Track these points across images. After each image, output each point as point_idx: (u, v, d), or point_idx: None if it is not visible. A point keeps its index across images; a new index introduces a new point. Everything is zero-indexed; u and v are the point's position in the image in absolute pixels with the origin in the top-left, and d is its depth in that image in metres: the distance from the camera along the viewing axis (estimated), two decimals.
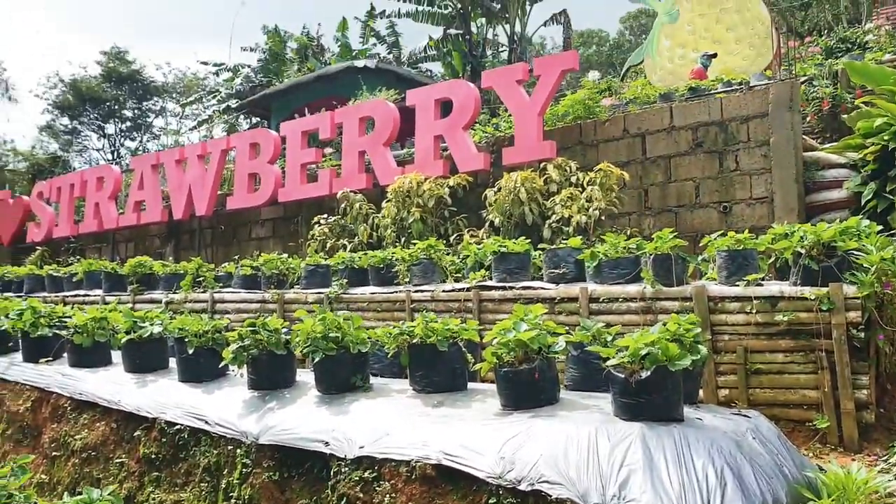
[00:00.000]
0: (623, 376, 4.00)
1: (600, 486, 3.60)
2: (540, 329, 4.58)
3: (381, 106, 11.88)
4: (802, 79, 10.15)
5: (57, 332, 7.72)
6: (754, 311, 5.59)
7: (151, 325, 6.77)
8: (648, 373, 3.93)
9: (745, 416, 4.48)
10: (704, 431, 3.86)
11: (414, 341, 5.15)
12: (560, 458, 3.79)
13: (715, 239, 6.31)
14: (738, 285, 5.79)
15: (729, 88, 9.74)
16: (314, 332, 5.41)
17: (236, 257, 11.73)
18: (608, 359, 4.17)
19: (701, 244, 6.86)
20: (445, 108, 11.05)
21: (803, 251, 5.56)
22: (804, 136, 8.80)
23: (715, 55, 12.97)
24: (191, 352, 6.18)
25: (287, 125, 13.23)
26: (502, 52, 23.12)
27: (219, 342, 6.33)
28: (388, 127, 11.44)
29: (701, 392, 5.33)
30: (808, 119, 9.71)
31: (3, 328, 8.28)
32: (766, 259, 6.33)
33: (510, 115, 11.06)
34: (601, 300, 6.32)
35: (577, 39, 34.95)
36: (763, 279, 5.92)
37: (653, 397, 3.91)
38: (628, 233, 8.33)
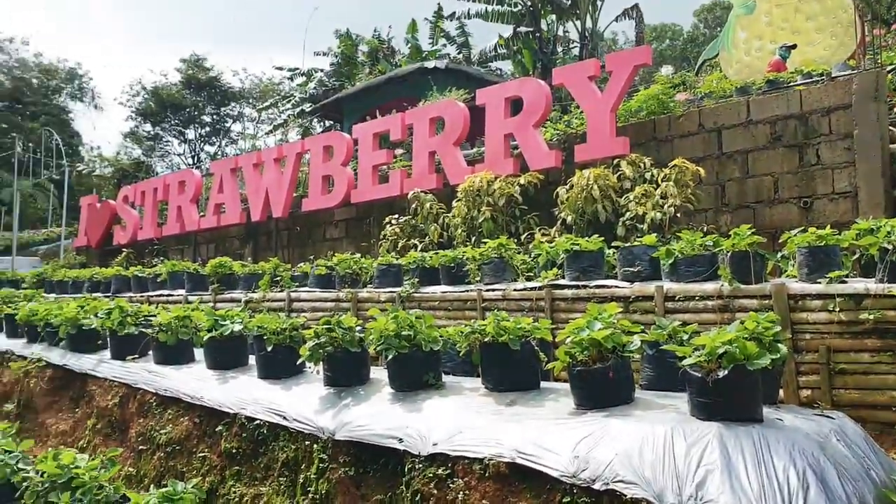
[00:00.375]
0: (700, 375, 3.92)
1: (676, 486, 3.54)
2: (614, 328, 4.53)
3: (451, 106, 11.95)
4: (889, 68, 9.72)
5: (143, 330, 8.05)
6: (838, 309, 5.39)
7: (232, 323, 6.99)
8: (726, 372, 3.84)
9: (828, 416, 4.34)
10: (785, 432, 3.76)
11: (486, 340, 5.16)
12: (635, 457, 3.75)
13: (795, 235, 6.11)
14: (820, 283, 5.60)
15: (809, 80, 9.41)
16: (387, 330, 5.48)
17: (311, 257, 11.99)
18: (684, 358, 4.10)
19: (780, 241, 6.66)
20: (516, 106, 11.03)
21: (890, 247, 5.33)
22: (891, 128, 8.42)
23: (794, 46, 12.55)
24: (269, 349, 6.36)
25: (359, 127, 13.45)
26: (573, 48, 22.92)
27: (296, 340, 6.49)
28: (459, 126, 11.49)
29: (781, 392, 5.18)
30: (894, 110, 9.30)
31: (92, 327, 8.68)
32: (849, 256, 6.10)
33: (582, 112, 10.96)
34: (677, 299, 6.20)
35: (650, 34, 34.34)
36: (847, 276, 5.71)
37: (731, 397, 3.83)
38: (704, 230, 8.16)
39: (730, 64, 14.61)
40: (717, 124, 9.33)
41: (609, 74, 9.98)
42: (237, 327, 6.95)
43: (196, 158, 42.93)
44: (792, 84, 9.51)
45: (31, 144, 36.80)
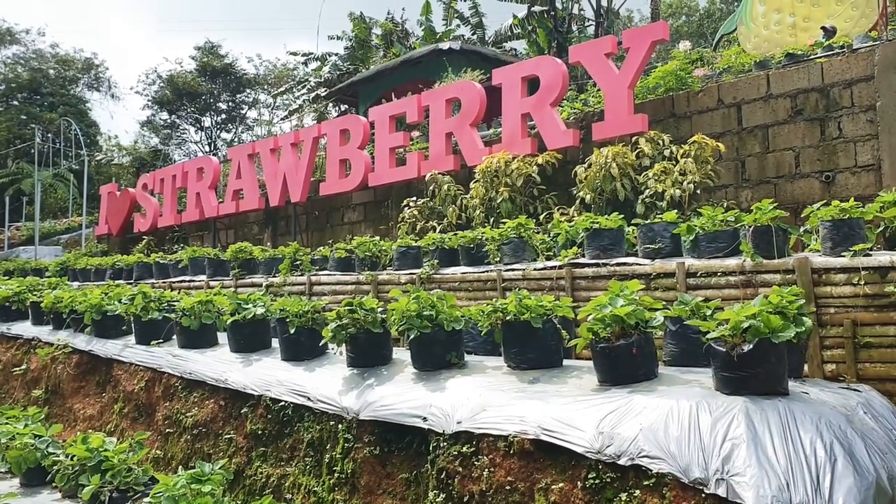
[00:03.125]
0: (724, 350, 3.92)
1: (702, 460, 3.55)
2: (637, 304, 4.53)
3: (467, 87, 11.90)
4: None
5: (166, 315, 8.15)
6: (862, 282, 5.34)
7: (254, 306, 7.05)
8: (751, 346, 3.84)
9: (854, 390, 4.32)
10: (811, 405, 3.75)
11: (508, 318, 5.18)
12: (660, 432, 3.76)
13: (818, 209, 6.05)
14: (843, 256, 5.54)
15: (830, 52, 9.27)
16: (409, 310, 5.51)
17: (330, 241, 12.02)
18: (708, 333, 4.09)
19: (802, 215, 6.59)
20: (532, 85, 10.95)
21: None
22: None
23: (835, 30, 12.30)
24: (292, 331, 6.41)
25: (375, 110, 13.42)
26: (588, 27, 22.69)
27: (318, 322, 6.54)
28: (475, 107, 11.44)
29: (806, 367, 5.16)
30: None
31: (116, 313, 8.79)
32: (873, 229, 6.02)
33: (598, 91, 10.87)
34: (699, 275, 6.17)
35: (665, 10, 33.92)
36: (871, 250, 5.65)
37: (756, 371, 3.82)
38: (725, 206, 8.10)
39: (748, 38, 14.38)
40: (737, 99, 9.23)
41: (626, 51, 9.88)
42: (260, 311, 7.01)
43: (212, 146, 43.09)
44: (812, 57, 9.37)
45: (49, 135, 37.11)
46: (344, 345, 5.98)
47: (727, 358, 3.89)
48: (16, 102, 44.07)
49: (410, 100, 12.81)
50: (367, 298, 6.13)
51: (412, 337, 5.44)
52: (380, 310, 6.04)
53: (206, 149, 42.66)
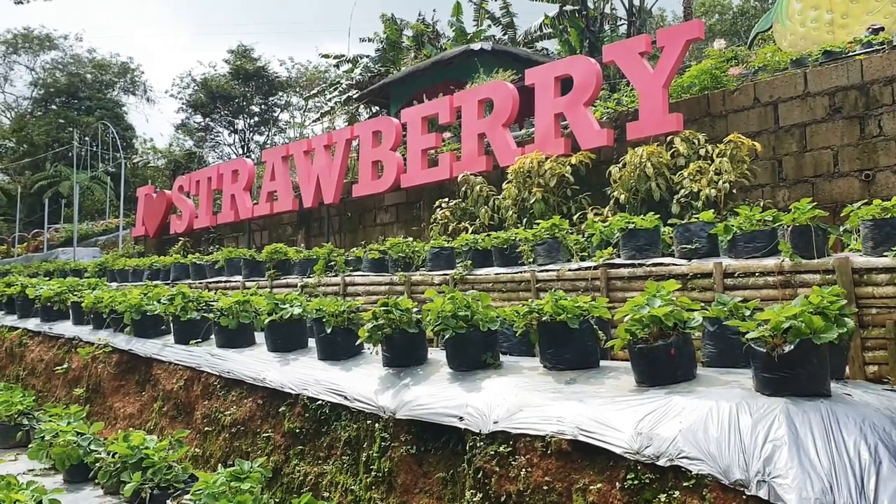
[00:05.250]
0: (765, 350, 3.88)
1: (743, 461, 3.53)
2: (674, 304, 4.50)
3: (499, 87, 11.90)
4: None
5: (204, 315, 8.27)
6: None
7: (291, 306, 7.13)
8: (792, 346, 3.80)
9: None
10: (855, 407, 3.70)
11: (544, 319, 5.18)
12: (700, 433, 3.74)
13: (858, 208, 5.96)
14: (886, 256, 5.46)
15: (870, 49, 9.12)
16: (444, 310, 5.54)
17: (362, 243, 12.09)
18: (748, 333, 4.06)
19: (842, 215, 6.50)
20: (565, 85, 10.92)
21: None
22: None
23: (882, 28, 12.08)
24: (328, 331, 6.48)
25: (407, 112, 13.47)
26: (620, 26, 22.55)
27: (353, 322, 6.61)
28: (508, 107, 11.44)
29: (847, 369, 5.08)
30: None
31: (155, 313, 8.94)
32: None
33: (632, 90, 10.81)
34: (736, 275, 6.11)
35: (698, 9, 33.56)
36: None
37: (797, 372, 3.78)
38: (761, 205, 8.00)
39: (784, 36, 14.18)
40: (773, 98, 9.12)
41: (660, 50, 9.82)
42: (296, 311, 7.09)
43: (245, 148, 43.56)
44: (851, 54, 9.22)
45: (87, 138, 37.81)
46: (380, 345, 6.02)
47: (768, 359, 3.85)
48: (54, 107, 44.97)
49: (443, 101, 12.85)
50: (402, 299, 6.17)
51: (448, 337, 5.47)
52: (415, 310, 6.07)
53: (240, 151, 43.14)
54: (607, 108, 10.85)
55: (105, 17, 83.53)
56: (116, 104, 46.66)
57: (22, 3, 27.45)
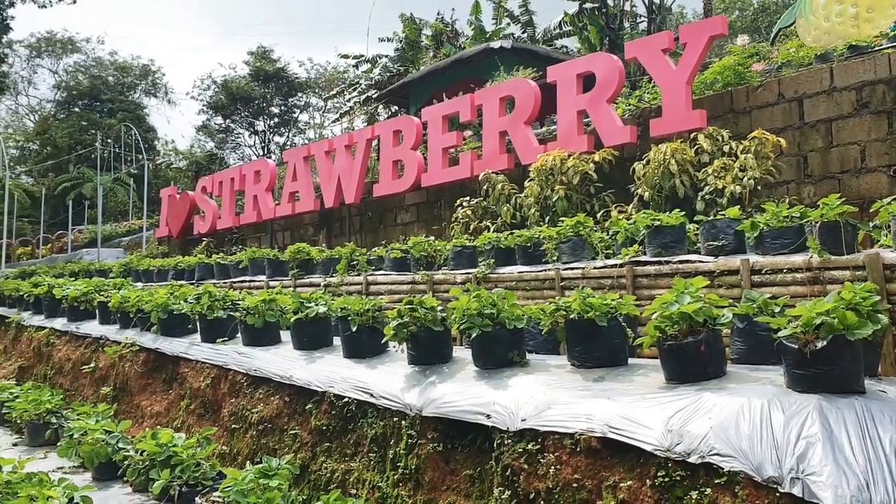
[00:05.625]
0: (797, 347, 3.84)
1: (775, 458, 3.50)
2: (704, 301, 4.48)
3: (521, 84, 11.88)
4: None
5: (230, 314, 8.33)
6: None
7: (317, 305, 7.17)
8: (824, 343, 3.76)
9: None
10: (890, 404, 3.66)
11: (571, 317, 5.16)
12: (731, 430, 3.72)
13: (888, 203, 5.89)
14: None
15: None
16: (470, 309, 5.53)
17: (383, 242, 12.13)
18: (777, 330, 4.02)
19: (871, 210, 6.43)
20: (587, 82, 10.88)
21: None
22: None
23: None
24: (354, 329, 6.50)
25: (428, 110, 13.49)
26: (640, 23, 22.41)
27: (378, 320, 6.63)
28: (530, 105, 11.42)
29: (878, 366, 5.03)
30: None
31: (182, 312, 9.02)
32: None
33: (653, 87, 10.76)
34: (763, 272, 6.06)
35: (719, 6, 33.31)
36: None
37: (830, 368, 3.74)
38: (787, 202, 7.93)
39: (808, 31, 14.01)
40: (798, 93, 9.04)
41: (683, 47, 9.76)
42: (322, 309, 7.12)
43: (266, 149, 43.83)
44: (878, 48, 9.12)
45: (109, 141, 38.21)
46: (405, 343, 6.04)
47: (800, 355, 3.82)
48: (77, 109, 45.55)
49: (463, 99, 12.85)
50: (426, 297, 6.18)
51: (474, 335, 5.46)
52: (440, 308, 6.08)
53: (260, 152, 43.41)
54: (629, 105, 10.80)
55: (126, 19, 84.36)
56: (138, 106, 47.18)
57: (45, 6, 27.80)
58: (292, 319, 7.22)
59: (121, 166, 36.13)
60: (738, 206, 7.64)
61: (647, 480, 3.92)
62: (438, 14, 26.44)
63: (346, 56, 29.23)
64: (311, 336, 7.19)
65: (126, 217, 34.67)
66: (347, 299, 6.91)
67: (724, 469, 3.63)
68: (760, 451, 3.57)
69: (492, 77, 14.99)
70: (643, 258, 7.05)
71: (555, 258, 8.04)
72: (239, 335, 8.08)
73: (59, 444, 8.33)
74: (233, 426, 7.22)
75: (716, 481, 3.65)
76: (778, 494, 3.43)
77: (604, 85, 10.38)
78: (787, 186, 8.94)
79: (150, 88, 49.16)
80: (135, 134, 31.64)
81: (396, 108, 24.28)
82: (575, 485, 4.22)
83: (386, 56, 27.66)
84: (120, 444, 7.58)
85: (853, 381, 3.76)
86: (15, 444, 9.23)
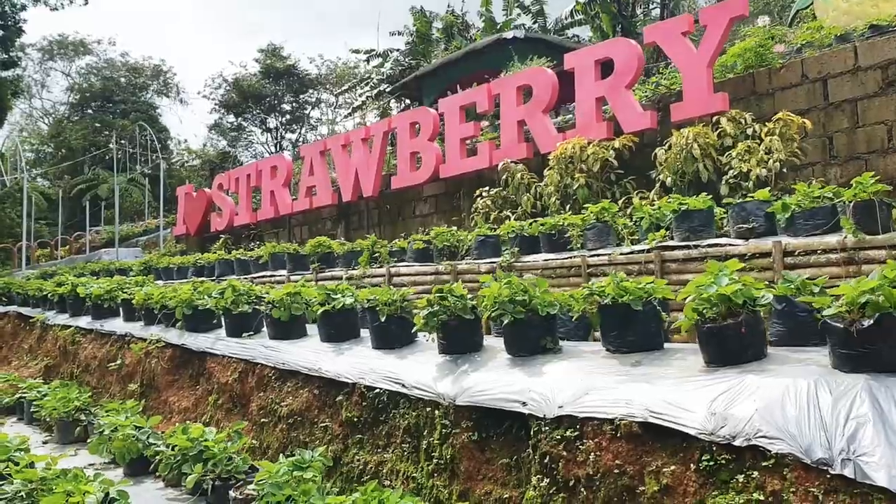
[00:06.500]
0: (842, 326, 3.78)
1: (824, 440, 3.44)
2: (742, 283, 4.42)
3: (538, 73, 11.81)
4: None
5: (255, 308, 8.33)
6: None
7: (343, 296, 7.14)
8: (871, 321, 3.69)
9: None
10: None
11: (605, 302, 5.11)
12: (777, 411, 3.66)
13: None
14: None
15: None
16: (501, 296, 5.49)
17: (402, 234, 12.11)
18: (820, 310, 3.96)
19: None
20: (605, 69, 10.80)
21: None
22: None
23: None
24: (382, 320, 6.47)
25: (445, 101, 13.44)
26: (653, 9, 22.27)
27: (406, 310, 6.60)
28: (547, 93, 11.35)
29: None
30: None
31: (207, 307, 9.02)
32: None
33: (671, 72, 10.66)
34: (796, 253, 5.99)
35: None
36: None
37: (877, 347, 3.67)
38: (815, 183, 7.84)
39: (826, 12, 13.84)
40: (822, 73, 8.92)
41: (703, 29, 9.66)
42: (349, 300, 7.10)
43: (279, 147, 43.91)
44: None
45: (123, 141, 38.39)
46: (435, 332, 6.00)
47: (845, 335, 3.75)
48: (90, 111, 45.79)
49: (480, 89, 12.79)
50: (455, 285, 6.14)
51: (506, 322, 5.42)
52: (469, 297, 6.04)
53: (272, 150, 43.49)
54: (647, 90, 10.71)
55: (137, 20, 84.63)
56: (150, 106, 47.36)
57: (57, 8, 27.91)
58: (319, 311, 7.20)
59: (135, 166, 36.28)
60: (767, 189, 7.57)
61: (691, 465, 3.87)
62: (449, 6, 26.37)
63: (356, 51, 29.24)
64: (339, 328, 7.17)
65: (142, 217, 34.83)
66: (374, 290, 6.88)
67: (771, 451, 3.58)
68: (809, 432, 3.51)
69: (505, 68, 14.91)
70: (671, 243, 6.99)
71: (579, 245, 7.99)
72: (264, 329, 8.08)
73: (88, 441, 8.38)
74: (262, 420, 7.22)
75: (763, 464, 3.60)
76: (828, 476, 3.37)
77: (622, 71, 10.29)
78: (812, 168, 8.83)
79: (162, 88, 49.31)
80: (149, 134, 31.74)
81: (409, 101, 24.23)
82: (616, 471, 4.17)
83: (397, 50, 27.61)
84: (150, 440, 7.61)
85: None
86: (45, 443, 9.30)
